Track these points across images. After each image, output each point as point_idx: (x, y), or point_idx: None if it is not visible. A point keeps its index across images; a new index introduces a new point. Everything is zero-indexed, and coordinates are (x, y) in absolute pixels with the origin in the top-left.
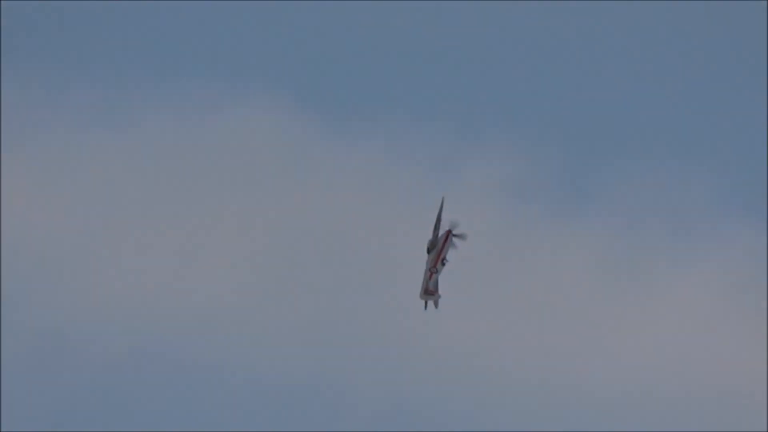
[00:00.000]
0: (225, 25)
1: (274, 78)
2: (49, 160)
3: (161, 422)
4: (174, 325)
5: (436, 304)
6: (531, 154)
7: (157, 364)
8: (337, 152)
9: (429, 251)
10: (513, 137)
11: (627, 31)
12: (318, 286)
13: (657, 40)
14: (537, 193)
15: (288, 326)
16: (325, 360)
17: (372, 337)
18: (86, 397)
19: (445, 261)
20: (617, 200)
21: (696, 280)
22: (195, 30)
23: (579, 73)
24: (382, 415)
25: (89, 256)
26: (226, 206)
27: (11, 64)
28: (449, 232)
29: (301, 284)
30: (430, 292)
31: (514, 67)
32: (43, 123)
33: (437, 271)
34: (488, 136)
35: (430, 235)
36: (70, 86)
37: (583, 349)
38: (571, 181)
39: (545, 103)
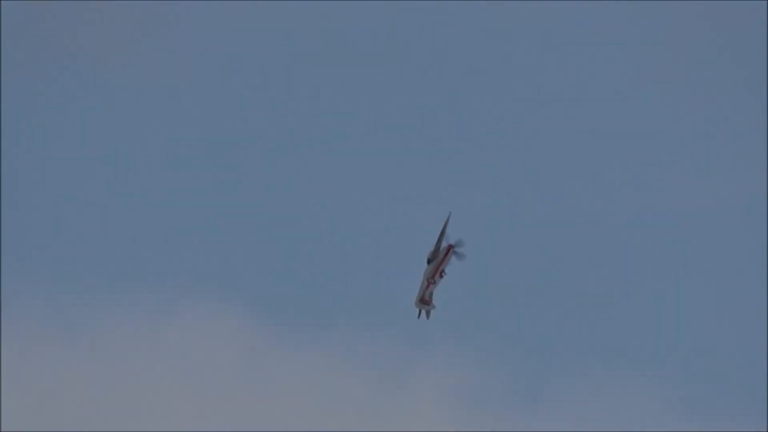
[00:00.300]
0: (174, 237)
1: (223, 287)
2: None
3: None
4: None
5: (428, 315)
6: (481, 362)
7: None
8: (288, 360)
9: (429, 262)
10: (463, 346)
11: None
12: None
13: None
14: (487, 401)
15: None
16: None
17: None
18: None
19: (443, 274)
20: (567, 409)
21: None
22: (145, 241)
23: (530, 279)
24: None
25: None
26: (179, 414)
27: None
28: (451, 246)
29: None
30: (425, 301)
31: (462, 283)
32: None
33: (434, 283)
34: (438, 344)
35: (431, 247)
36: (17, 297)
37: None
38: (521, 390)
39: (495, 313)
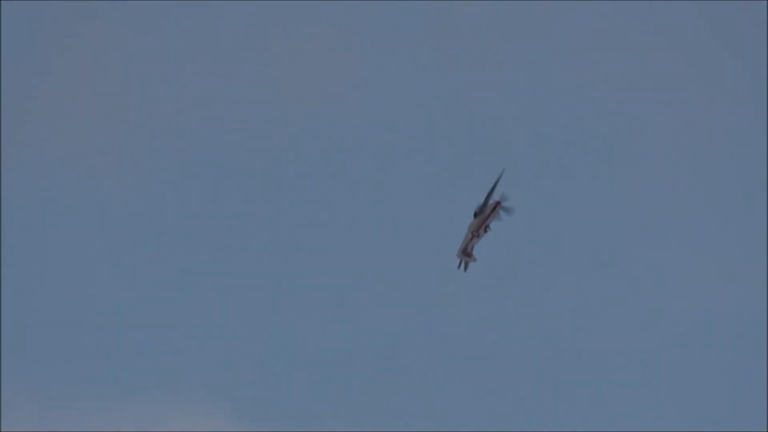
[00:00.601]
0: (158, 343)
1: (211, 390)
2: None
3: None
4: None
5: (466, 267)
6: None
7: None
8: None
9: (476, 215)
10: None
11: None
12: None
13: None
14: None
15: None
16: None
17: None
18: None
19: (488, 228)
20: None
21: None
22: (134, 347)
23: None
24: None
25: None
26: None
27: None
28: (498, 203)
29: None
30: (467, 253)
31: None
32: None
33: (478, 236)
34: None
35: (480, 201)
36: (12, 408)
37: None
38: None
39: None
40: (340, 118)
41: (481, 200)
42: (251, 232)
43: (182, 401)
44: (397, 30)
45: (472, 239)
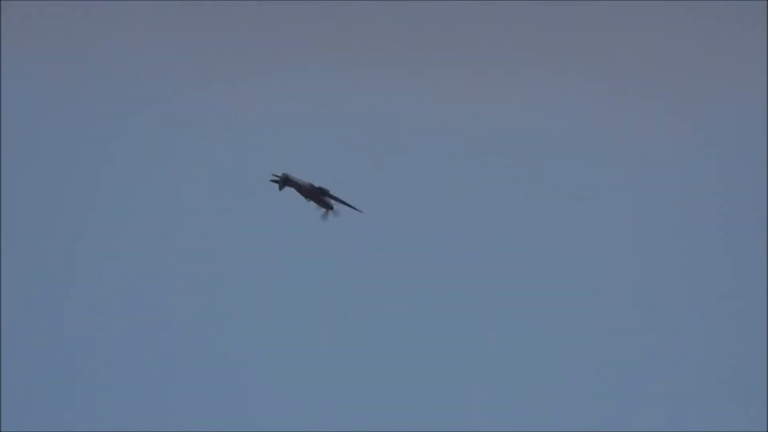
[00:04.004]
0: None
1: None
2: None
3: None
4: None
5: (274, 181)
6: None
7: None
8: None
9: (317, 189)
10: None
11: None
12: None
13: None
14: None
15: None
16: None
17: None
18: None
19: (308, 200)
20: None
21: None
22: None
23: None
24: None
25: None
26: None
27: None
28: (331, 208)
29: None
30: (287, 182)
31: None
32: None
33: (299, 193)
34: None
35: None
36: None
37: None
38: None
39: None
40: None
41: (329, 193)
42: None
43: None
44: None
45: (299, 187)
